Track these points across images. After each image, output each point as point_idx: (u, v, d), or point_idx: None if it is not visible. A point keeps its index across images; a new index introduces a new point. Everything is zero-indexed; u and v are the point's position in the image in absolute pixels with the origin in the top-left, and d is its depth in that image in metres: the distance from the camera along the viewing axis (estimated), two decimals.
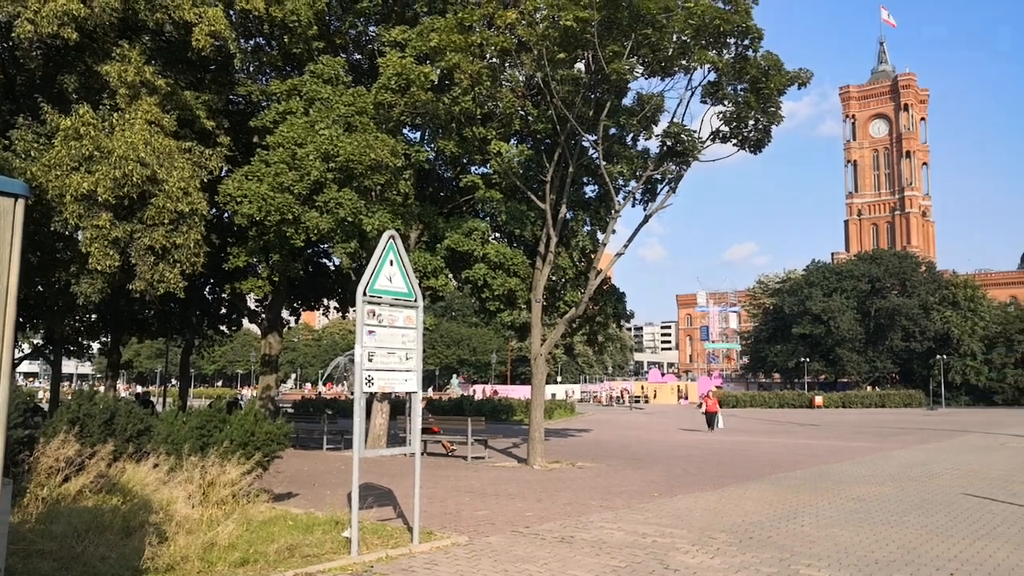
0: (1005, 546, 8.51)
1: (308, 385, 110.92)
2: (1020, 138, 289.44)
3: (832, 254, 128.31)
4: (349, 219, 17.26)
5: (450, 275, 19.86)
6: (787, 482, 14.43)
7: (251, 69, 21.67)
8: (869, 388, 78.61)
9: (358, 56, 22.25)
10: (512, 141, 18.85)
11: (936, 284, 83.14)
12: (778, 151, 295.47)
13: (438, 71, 16.12)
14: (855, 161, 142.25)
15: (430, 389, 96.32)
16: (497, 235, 20.91)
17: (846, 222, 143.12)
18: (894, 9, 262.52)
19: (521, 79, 17.17)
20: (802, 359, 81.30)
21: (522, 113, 17.59)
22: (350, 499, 7.95)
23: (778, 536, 9.03)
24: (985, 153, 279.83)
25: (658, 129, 18.40)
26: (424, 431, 18.39)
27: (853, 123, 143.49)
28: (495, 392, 68.73)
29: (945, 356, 75.09)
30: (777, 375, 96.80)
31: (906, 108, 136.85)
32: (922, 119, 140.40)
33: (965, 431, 31.75)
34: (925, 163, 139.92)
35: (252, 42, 21.68)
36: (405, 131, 19.75)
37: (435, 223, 19.23)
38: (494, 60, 16.38)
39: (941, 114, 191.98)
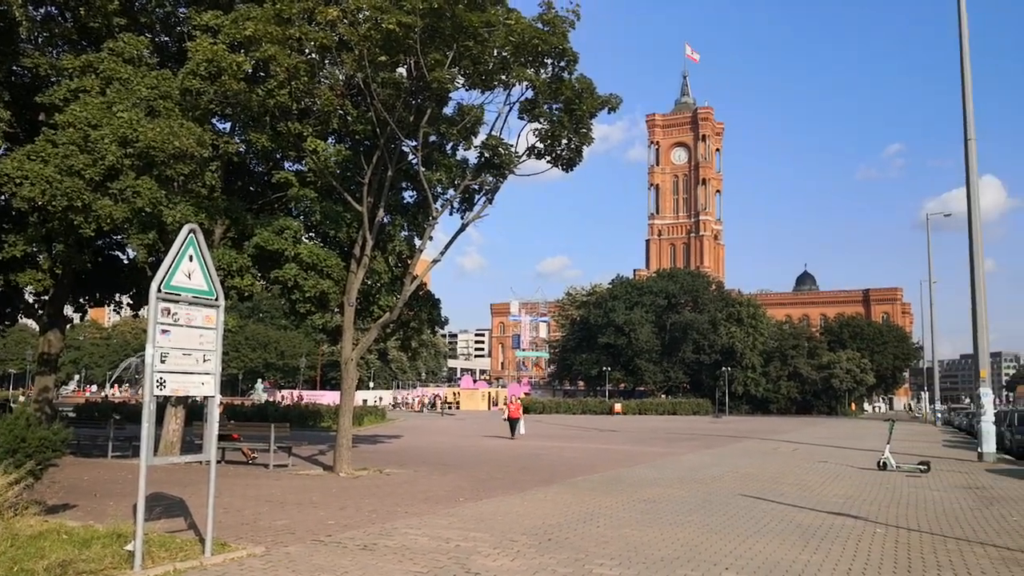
0: (773, 542, 9.38)
1: (93, 387, 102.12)
2: (799, 173, 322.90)
3: (635, 270, 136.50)
4: (147, 209, 16.12)
5: (258, 274, 19.04)
6: (585, 485, 15.08)
7: (40, 40, 19.68)
8: (663, 396, 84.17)
9: (165, 38, 20.81)
10: (330, 140, 18.41)
11: (724, 302, 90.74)
12: (593, 171, 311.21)
13: (252, 61, 15.44)
14: (657, 185, 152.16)
15: (256, 395, 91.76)
16: (311, 235, 20.29)
17: (648, 241, 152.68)
18: (698, 45, 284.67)
19: (341, 78, 16.82)
20: (604, 368, 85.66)
21: (341, 112, 17.21)
22: (135, 510, 7.39)
23: (575, 537, 9.41)
24: (772, 183, 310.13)
25: (477, 140, 18.71)
26: (222, 438, 17.49)
27: (657, 149, 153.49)
28: (301, 398, 66.72)
29: (729, 368, 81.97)
30: (582, 383, 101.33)
31: (704, 139, 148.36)
32: (717, 149, 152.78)
33: (744, 437, 34.74)
34: (719, 190, 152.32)
35: (42, 10, 19.73)
36: (214, 121, 18.73)
37: (243, 219, 18.35)
38: (313, 56, 15.95)
39: (736, 144, 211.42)
